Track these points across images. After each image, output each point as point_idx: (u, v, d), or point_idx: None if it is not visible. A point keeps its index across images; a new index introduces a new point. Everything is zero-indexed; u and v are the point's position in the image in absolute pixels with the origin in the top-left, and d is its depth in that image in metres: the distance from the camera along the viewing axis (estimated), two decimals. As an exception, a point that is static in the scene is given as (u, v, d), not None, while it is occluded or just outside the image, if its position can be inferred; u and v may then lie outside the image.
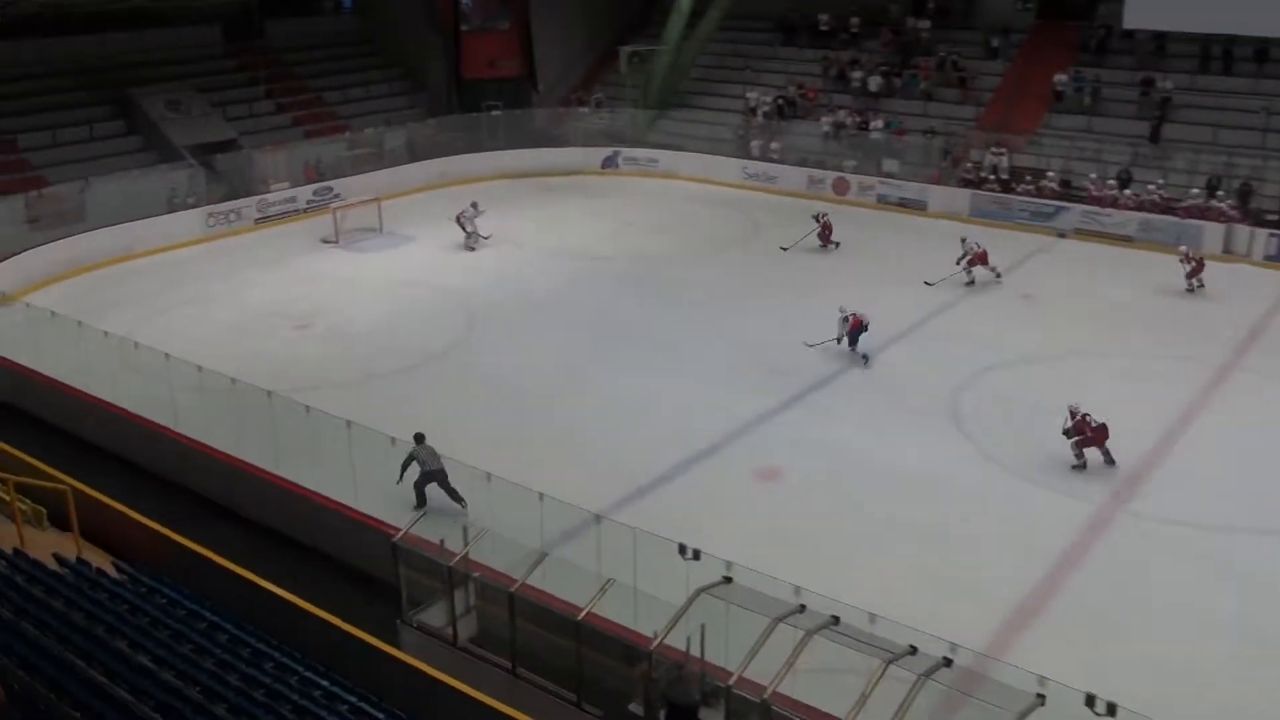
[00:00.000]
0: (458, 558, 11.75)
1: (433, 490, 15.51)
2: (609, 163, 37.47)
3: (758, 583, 10.40)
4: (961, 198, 31.53)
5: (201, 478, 16.65)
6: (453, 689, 10.28)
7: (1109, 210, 29.17)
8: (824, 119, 35.77)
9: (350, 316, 24.24)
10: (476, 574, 11.89)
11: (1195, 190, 28.64)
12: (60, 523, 14.07)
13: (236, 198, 31.43)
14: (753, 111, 37.30)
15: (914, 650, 9.42)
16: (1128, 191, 29.51)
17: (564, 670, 10.92)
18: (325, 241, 29.78)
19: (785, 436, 18.20)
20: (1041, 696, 8.84)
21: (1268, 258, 26.87)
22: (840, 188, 33.61)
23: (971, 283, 25.35)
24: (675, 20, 38.23)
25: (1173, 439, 17.87)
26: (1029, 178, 31.06)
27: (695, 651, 10.26)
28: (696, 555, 11.22)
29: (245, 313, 24.40)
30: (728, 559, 10.92)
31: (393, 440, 15.16)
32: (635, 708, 10.47)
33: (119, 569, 12.98)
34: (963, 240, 25.93)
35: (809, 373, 20.44)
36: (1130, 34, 32.90)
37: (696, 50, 39.35)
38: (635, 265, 27.48)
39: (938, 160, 33.08)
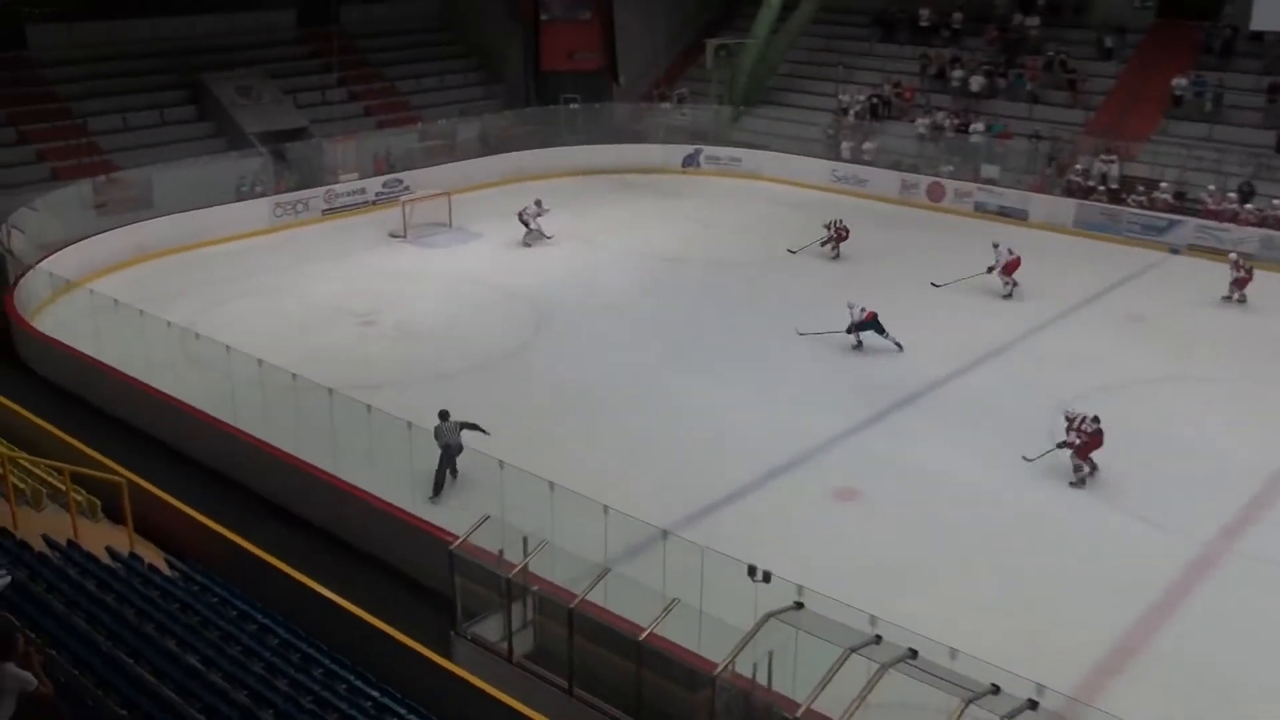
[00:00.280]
0: (516, 569, 11.85)
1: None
2: (690, 161, 37.52)
3: (831, 610, 10.33)
4: (1066, 208, 30.98)
5: (257, 475, 17.01)
6: (505, 706, 10.36)
7: (1227, 225, 28.43)
8: (920, 120, 35.43)
9: (416, 314, 24.59)
10: (535, 587, 11.98)
11: (1325, 206, 27.88)
12: (114, 515, 14.47)
13: (305, 188, 32.10)
14: (844, 111, 37.06)
15: (996, 690, 9.27)
16: (1249, 206, 28.74)
17: (622, 692, 10.94)
18: (393, 236, 30.26)
19: (866, 456, 18.03)
20: (1133, 747, 8.65)
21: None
22: (935, 194, 33.23)
23: (1009, 295, 25.03)
24: (765, 13, 38.12)
25: (1290, 475, 17.37)
26: (1141, 188, 30.39)
27: (762, 679, 10.23)
28: (767, 578, 11.16)
29: (309, 306, 24.88)
30: (800, 583, 10.87)
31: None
32: (696, 736, 10.47)
33: (171, 565, 13.33)
34: (995, 246, 25.48)
35: (894, 390, 20.24)
36: (1258, 36, 32.11)
37: (787, 45, 39.20)
38: (714, 270, 27.46)
39: (1042, 167, 32.56)
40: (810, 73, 39.90)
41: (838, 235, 28.10)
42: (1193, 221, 28.97)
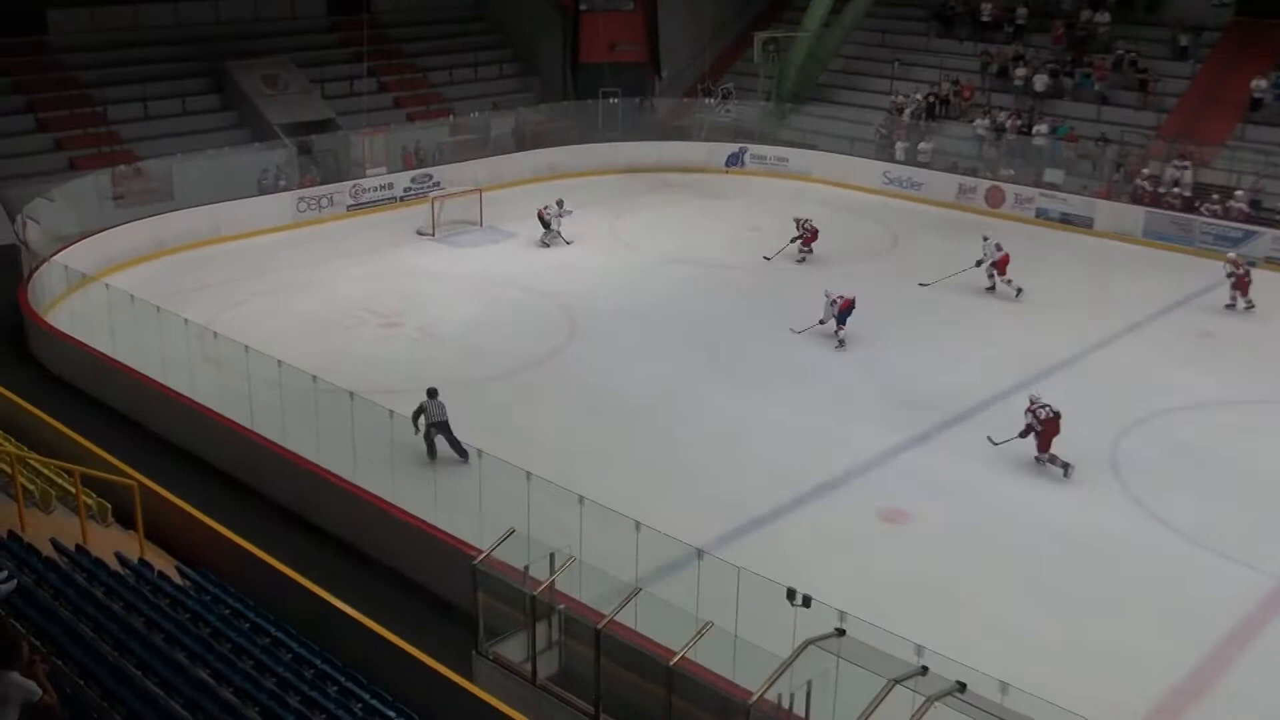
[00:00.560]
0: (542, 587, 11.85)
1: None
2: (734, 160, 37.52)
3: (874, 638, 10.25)
4: (1134, 216, 30.70)
5: (273, 481, 17.14)
6: (528, 731, 10.36)
7: (1309, 237, 28.11)
8: (980, 121, 35.27)
9: (443, 316, 24.71)
10: (562, 606, 11.98)
11: None
12: (125, 520, 14.62)
13: (330, 182, 32.38)
14: (899, 109, 36.94)
15: (1050, 728, 9.18)
16: (1332, 217, 28.42)
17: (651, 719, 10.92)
18: (421, 234, 30.45)
19: (915, 476, 17.92)
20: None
21: None
22: (994, 199, 33.03)
23: (993, 288, 25.70)
24: (817, 5, 38.08)
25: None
26: (1215, 196, 30.07)
27: (799, 710, 10.17)
28: (807, 602, 11.10)
29: (331, 306, 25.07)
30: (842, 608, 10.78)
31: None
32: (728, 767, 10.43)
33: (182, 573, 13.44)
34: (984, 239, 25.94)
35: (946, 407, 20.11)
36: (1345, 36, 31.75)
37: (840, 39, 39.15)
38: (758, 276, 27.43)
39: (1109, 172, 32.29)
40: (864, 68, 39.82)
41: (808, 235, 28.20)
42: (1270, 233, 28.64)
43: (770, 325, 24.06)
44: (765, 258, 28.36)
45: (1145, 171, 31.54)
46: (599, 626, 11.17)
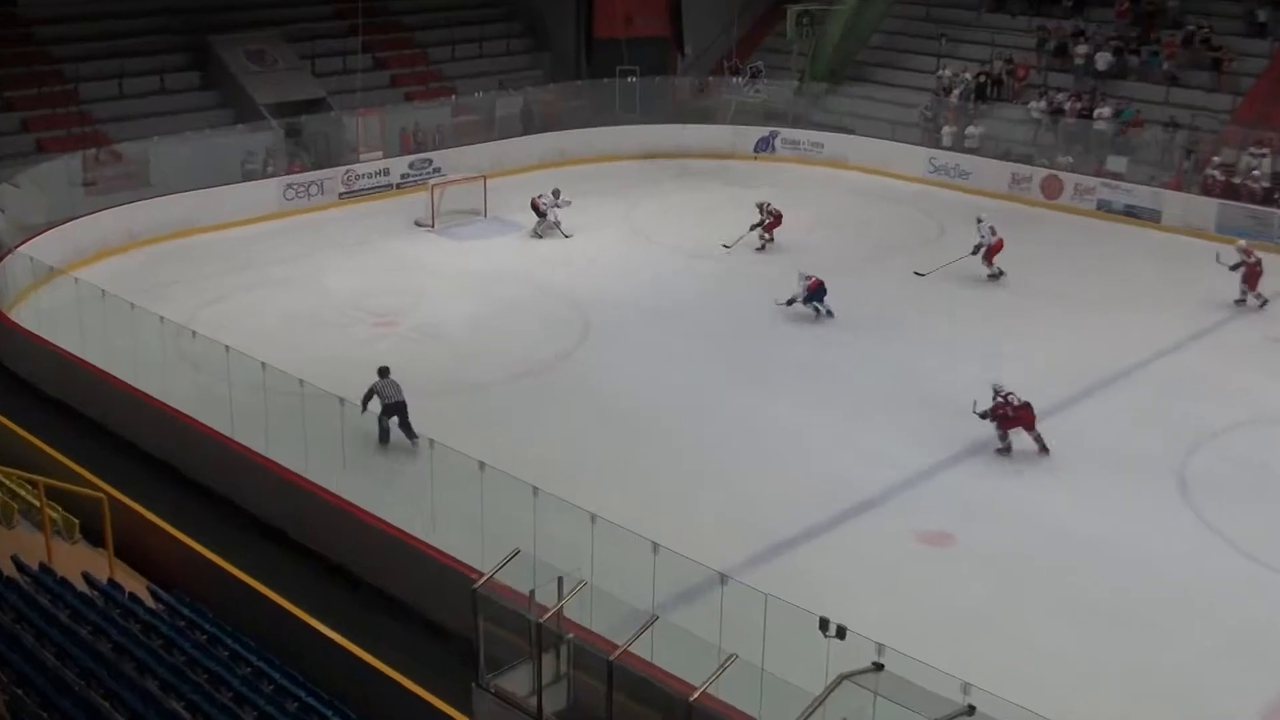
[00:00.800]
0: (549, 613, 11.81)
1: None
2: (763, 145, 37.53)
3: (915, 672, 10.20)
4: (1206, 208, 30.57)
5: (256, 494, 17.15)
6: (532, 772, 10.34)
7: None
8: (1035, 103, 35.18)
9: (443, 315, 24.76)
10: (571, 635, 11.94)
11: None
12: (94, 536, 14.66)
13: (321, 168, 32.50)
14: (946, 90, 36.91)
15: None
16: None
17: (668, 761, 10.90)
18: (419, 225, 30.53)
19: (959, 495, 17.86)
20: None
21: None
22: (1051, 189, 32.93)
23: (995, 275, 26.18)
24: (856, -25, 38.13)
25: None
26: (1296, 187, 29.98)
27: (831, 752, 10.12)
28: (841, 633, 11.05)
29: (321, 303, 25.14)
30: (879, 640, 10.74)
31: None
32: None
33: (155, 595, 13.47)
34: (979, 221, 26.53)
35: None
36: None
37: (881, 12, 39.15)
38: (789, 272, 27.33)
39: (1179, 160, 32.18)
40: (907, 45, 39.81)
41: (771, 220, 28.40)
42: (1358, 228, 28.53)
43: (803, 326, 24.03)
44: (724, 246, 28.54)
45: (1218, 160, 31.43)
46: (612, 658, 11.13)
